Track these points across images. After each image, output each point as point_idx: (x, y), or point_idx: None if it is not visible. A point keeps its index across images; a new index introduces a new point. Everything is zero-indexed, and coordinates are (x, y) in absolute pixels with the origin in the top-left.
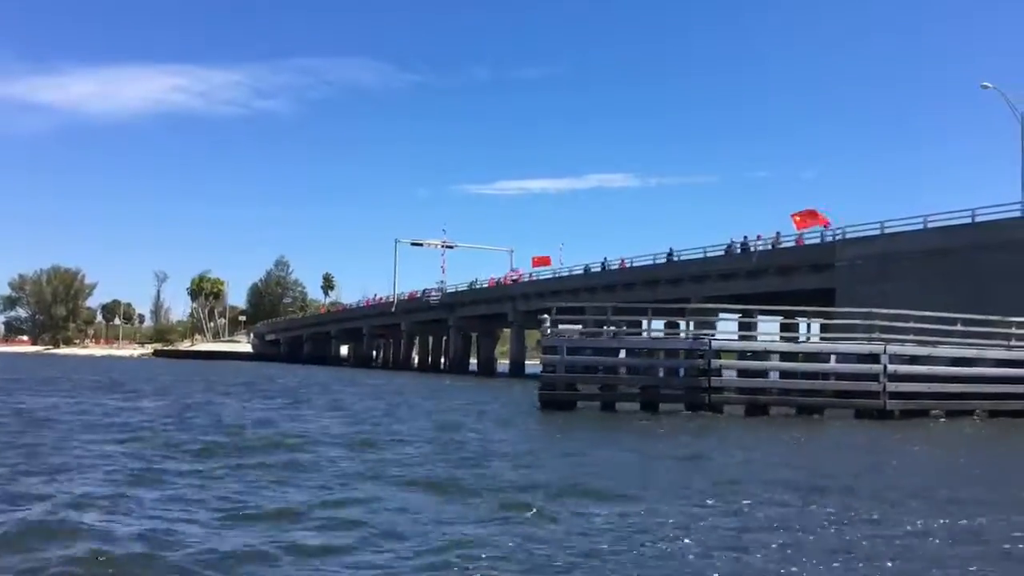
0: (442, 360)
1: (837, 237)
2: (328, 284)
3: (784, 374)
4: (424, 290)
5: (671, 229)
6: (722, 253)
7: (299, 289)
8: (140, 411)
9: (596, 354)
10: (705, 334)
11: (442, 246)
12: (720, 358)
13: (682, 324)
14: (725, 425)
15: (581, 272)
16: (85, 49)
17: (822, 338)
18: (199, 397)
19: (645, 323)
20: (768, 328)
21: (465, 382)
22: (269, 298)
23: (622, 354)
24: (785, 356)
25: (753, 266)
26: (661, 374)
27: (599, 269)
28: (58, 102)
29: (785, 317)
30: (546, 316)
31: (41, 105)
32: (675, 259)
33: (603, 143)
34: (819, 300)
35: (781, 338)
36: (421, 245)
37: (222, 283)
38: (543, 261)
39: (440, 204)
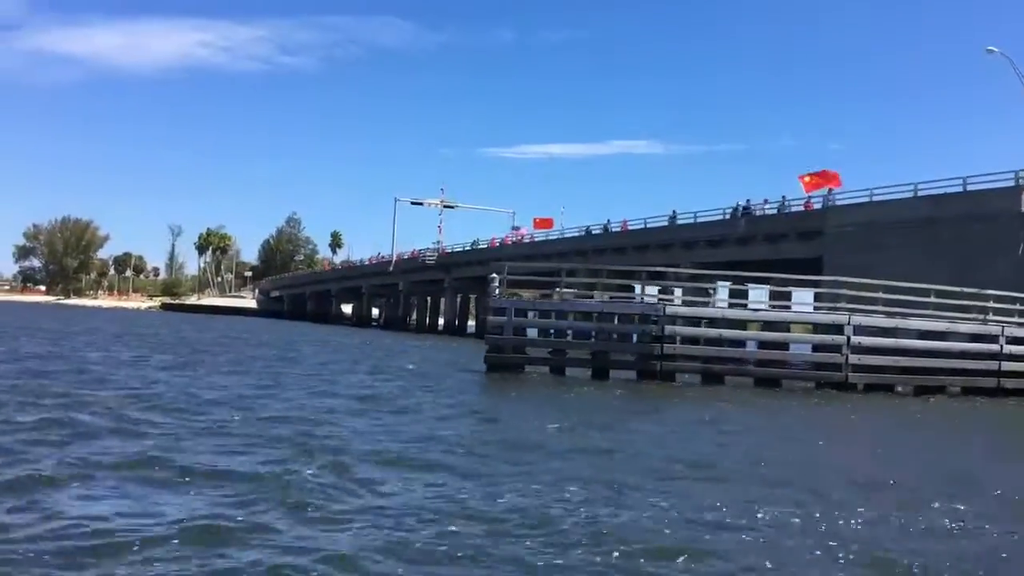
0: (440, 321)
1: (829, 204)
2: (336, 242)
3: (737, 343)
4: (421, 250)
5: (693, 198)
6: (719, 218)
7: (310, 247)
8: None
9: (545, 317)
10: (659, 299)
11: (440, 205)
12: (675, 324)
13: (637, 288)
14: (662, 394)
15: (578, 234)
16: (111, 1)
17: (772, 306)
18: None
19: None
20: (759, 297)
21: (440, 342)
22: (280, 255)
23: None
24: (738, 324)
25: (742, 233)
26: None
27: (600, 231)
28: (83, 53)
29: (743, 285)
30: (494, 276)
31: (66, 56)
32: (675, 223)
33: (627, 109)
34: (808, 269)
35: (734, 305)
36: (421, 204)
37: (229, 238)
38: (545, 223)
39: (464, 166)
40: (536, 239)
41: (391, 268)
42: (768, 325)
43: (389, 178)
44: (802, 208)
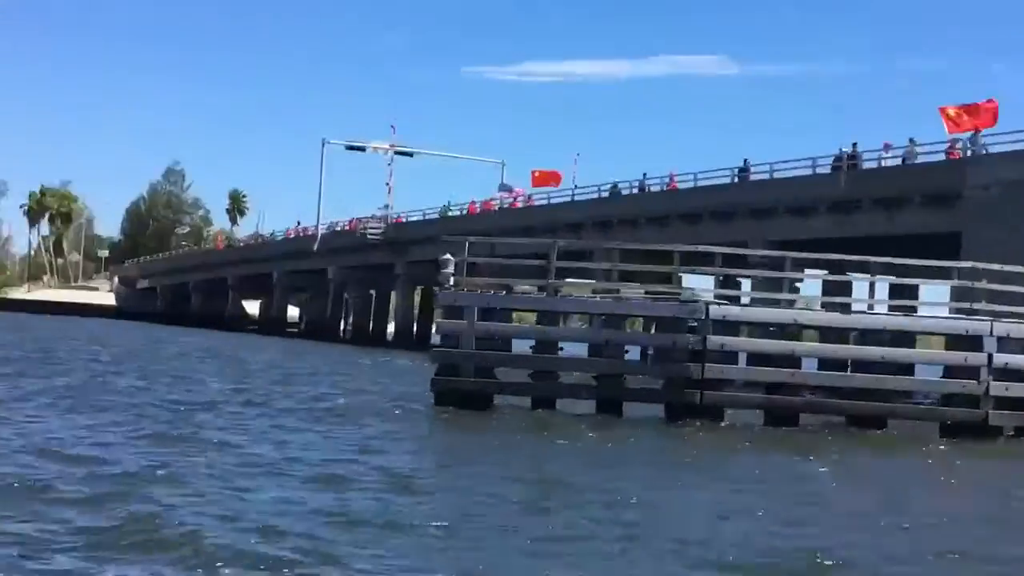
0: (389, 327)
1: (975, 151)
2: (237, 207)
3: (827, 363)
4: (362, 219)
5: (781, 143)
6: (807, 171)
7: (200, 213)
8: None
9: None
10: (698, 297)
11: (390, 151)
12: (724, 333)
13: (688, 281)
14: (708, 443)
15: (599, 196)
16: None
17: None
18: None
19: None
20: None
21: (387, 359)
22: (155, 226)
23: (576, 324)
24: (830, 334)
25: (842, 194)
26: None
27: (632, 191)
28: None
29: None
30: (447, 259)
31: None
32: (744, 178)
33: (682, 9)
34: (939, 251)
35: (824, 306)
36: (363, 150)
37: (74, 199)
38: (549, 178)
39: (437, 95)
40: (536, 203)
41: (315, 247)
42: (866, 336)
43: (322, 118)
44: (943, 157)
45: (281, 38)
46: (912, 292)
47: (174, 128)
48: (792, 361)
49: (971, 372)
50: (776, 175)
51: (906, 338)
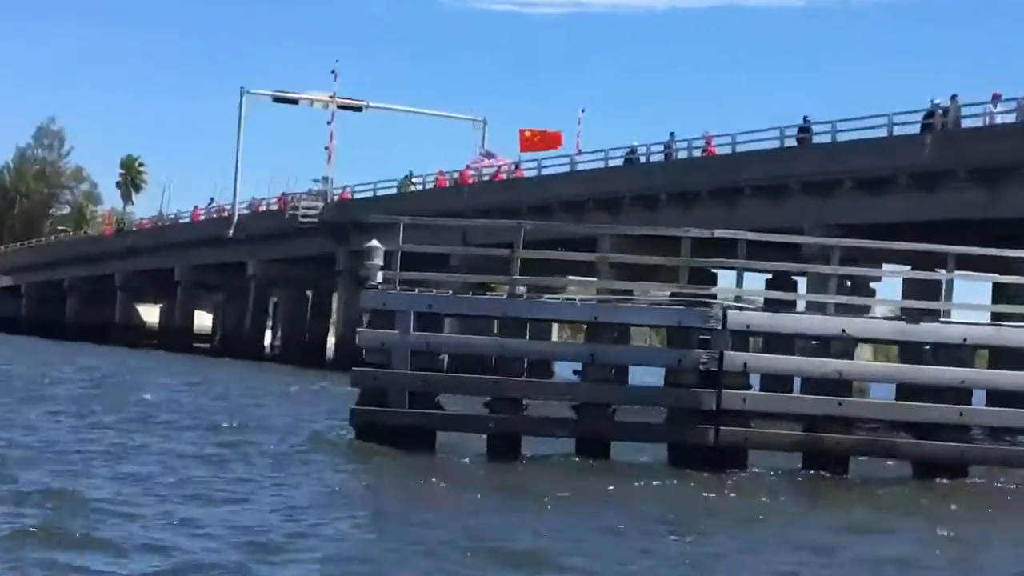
0: (330, 340)
1: None
2: (132, 178)
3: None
4: (292, 196)
5: (869, 96)
6: (882, 133)
7: (82, 188)
8: None
9: (478, 331)
10: (711, 298)
11: (331, 104)
12: (746, 348)
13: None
14: (744, 503)
15: (606, 165)
16: None
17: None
18: None
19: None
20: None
21: (321, 382)
22: (24, 205)
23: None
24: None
25: (928, 162)
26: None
27: (653, 158)
28: None
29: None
30: (373, 247)
31: None
32: (808, 140)
33: None
34: None
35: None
36: (295, 102)
37: None
38: (543, 140)
39: (404, 31)
40: (524, 173)
41: (231, 231)
42: (940, 352)
43: (248, 64)
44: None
45: None
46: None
47: (48, 74)
48: (840, 386)
49: None
50: (840, 137)
51: (997, 356)
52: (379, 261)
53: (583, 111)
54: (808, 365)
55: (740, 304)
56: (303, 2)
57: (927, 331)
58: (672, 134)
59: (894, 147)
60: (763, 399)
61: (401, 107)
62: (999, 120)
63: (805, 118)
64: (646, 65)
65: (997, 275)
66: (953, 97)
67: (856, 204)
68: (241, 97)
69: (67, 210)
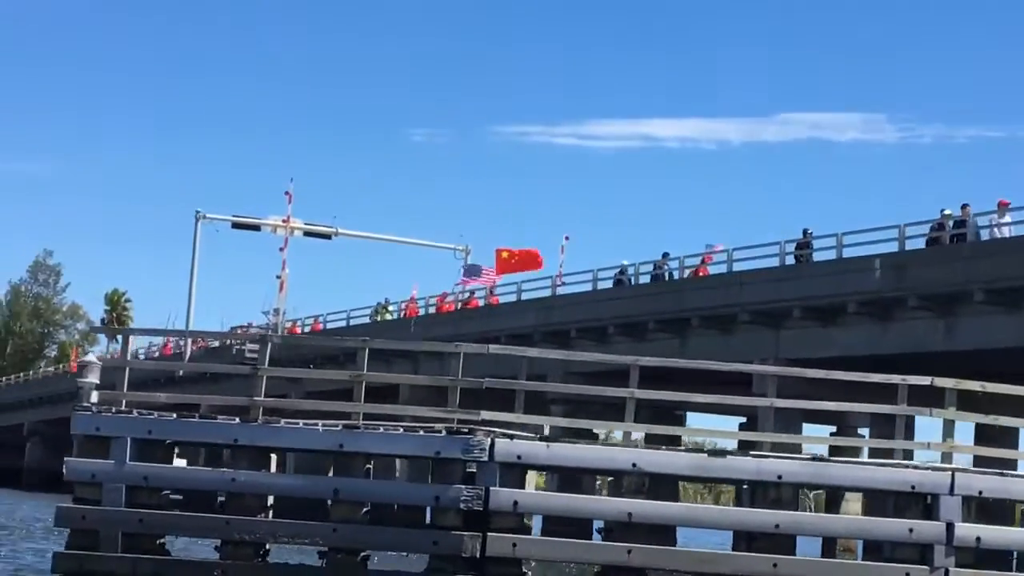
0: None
1: None
2: (116, 312)
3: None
4: (240, 328)
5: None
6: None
7: (80, 327)
8: None
9: (210, 462)
10: (477, 423)
11: (283, 228)
12: (521, 483)
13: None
14: None
15: (587, 286)
16: None
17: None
18: None
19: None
20: None
21: None
22: (15, 346)
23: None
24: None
25: (875, 288)
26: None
27: (645, 277)
28: None
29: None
30: (89, 359)
31: None
32: (809, 256)
33: (815, 59)
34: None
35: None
36: (256, 228)
37: None
38: (527, 260)
39: (463, 160)
40: (497, 296)
41: (180, 373)
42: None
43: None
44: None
45: (217, 78)
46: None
47: (38, 201)
48: (631, 529)
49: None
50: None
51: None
52: (94, 379)
53: (567, 238)
54: (593, 505)
55: (514, 432)
56: (350, 130)
57: (732, 466)
58: (666, 254)
59: (841, 270)
60: (538, 544)
61: (373, 235)
62: (1007, 232)
63: (805, 231)
64: (761, 199)
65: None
66: (964, 206)
67: (804, 337)
68: (196, 223)
69: (66, 339)
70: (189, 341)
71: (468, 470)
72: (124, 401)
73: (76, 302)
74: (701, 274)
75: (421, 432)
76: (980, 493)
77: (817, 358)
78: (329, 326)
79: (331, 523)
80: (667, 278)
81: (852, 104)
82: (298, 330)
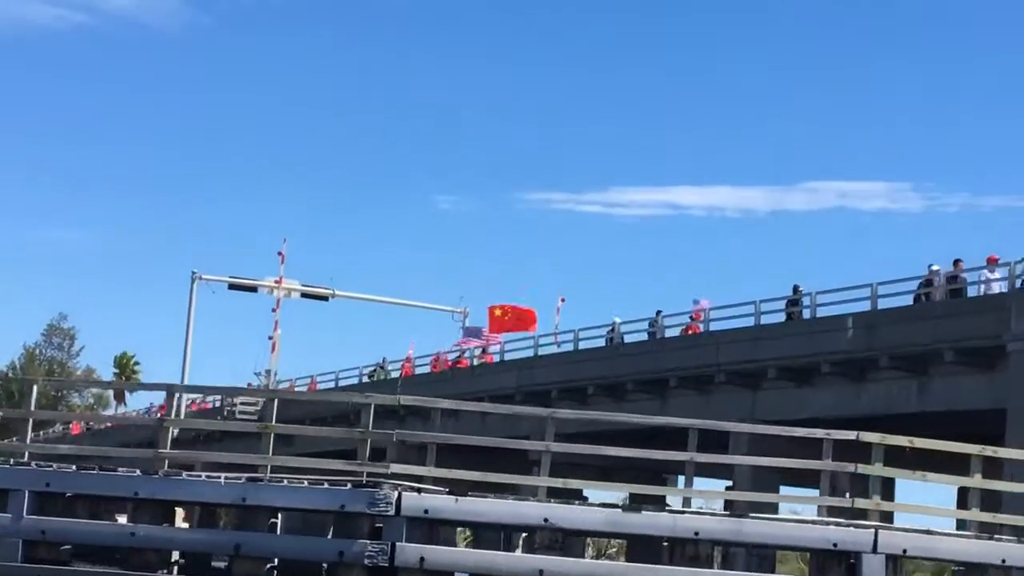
0: None
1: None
2: (126, 377)
3: None
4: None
5: None
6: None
7: (92, 391)
8: None
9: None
10: (383, 476)
11: (277, 289)
12: (433, 540)
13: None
14: None
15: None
16: None
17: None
18: None
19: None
20: None
21: None
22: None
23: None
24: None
25: (846, 348)
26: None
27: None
28: None
29: None
30: None
31: None
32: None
33: (842, 127)
34: (982, 431)
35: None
36: (253, 289)
37: None
38: (520, 317)
39: (487, 224)
40: (493, 358)
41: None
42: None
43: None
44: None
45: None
46: None
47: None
48: None
49: None
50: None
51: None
52: None
53: (563, 300)
54: (503, 561)
55: (423, 486)
56: (379, 196)
57: (648, 523)
58: (659, 312)
59: (817, 331)
60: None
61: (370, 296)
62: (996, 288)
63: (795, 288)
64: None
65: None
66: (956, 262)
67: (779, 398)
68: (192, 284)
69: (82, 403)
70: (183, 401)
71: (376, 525)
72: (27, 453)
73: (90, 366)
74: (692, 332)
75: (326, 485)
76: (904, 552)
77: (792, 420)
78: (320, 386)
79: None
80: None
81: (878, 172)
82: (292, 387)
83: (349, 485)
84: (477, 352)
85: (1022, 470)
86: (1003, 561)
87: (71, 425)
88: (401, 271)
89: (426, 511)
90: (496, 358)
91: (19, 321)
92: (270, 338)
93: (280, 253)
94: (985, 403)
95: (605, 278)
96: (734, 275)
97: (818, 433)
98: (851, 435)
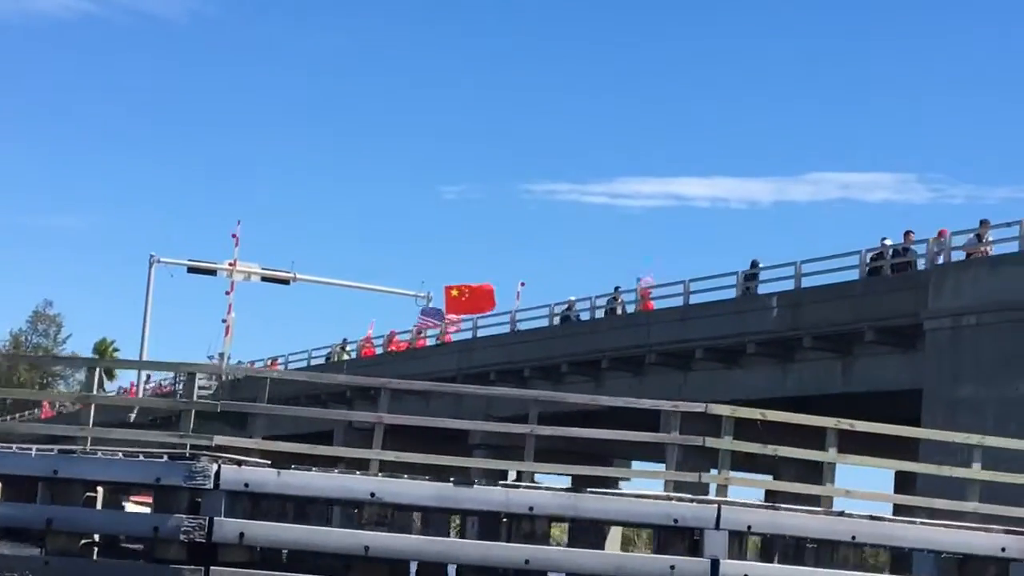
0: None
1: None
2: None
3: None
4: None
5: None
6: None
7: (77, 377)
8: None
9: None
10: (205, 448)
11: (231, 271)
12: (253, 515)
13: None
14: None
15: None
16: None
17: None
18: None
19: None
20: None
21: None
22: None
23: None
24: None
25: (772, 327)
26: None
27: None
28: None
29: None
30: None
31: None
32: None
33: (846, 118)
34: (903, 412)
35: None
36: (212, 272)
37: None
38: (478, 297)
39: (490, 214)
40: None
41: (131, 419)
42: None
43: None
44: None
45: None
46: None
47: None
48: (370, 563)
49: None
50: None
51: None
52: None
53: (523, 284)
54: (326, 537)
55: (247, 459)
56: (384, 185)
57: (479, 497)
58: (617, 288)
59: (743, 311)
60: None
61: (331, 280)
62: (991, 251)
63: (753, 262)
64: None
65: None
66: (907, 233)
67: (709, 379)
68: (150, 267)
69: (66, 389)
70: (143, 383)
71: (196, 499)
72: None
73: (77, 353)
74: (649, 308)
75: (141, 457)
76: (749, 528)
77: (722, 401)
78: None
79: (43, 555)
80: (622, 312)
81: (883, 164)
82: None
83: (165, 457)
84: (437, 333)
85: (933, 452)
86: (853, 538)
87: None
88: (404, 258)
89: (246, 484)
90: (453, 339)
91: (4, 308)
92: (224, 321)
93: (234, 235)
94: (906, 383)
95: (609, 268)
96: (738, 265)
97: (665, 405)
98: (700, 407)
